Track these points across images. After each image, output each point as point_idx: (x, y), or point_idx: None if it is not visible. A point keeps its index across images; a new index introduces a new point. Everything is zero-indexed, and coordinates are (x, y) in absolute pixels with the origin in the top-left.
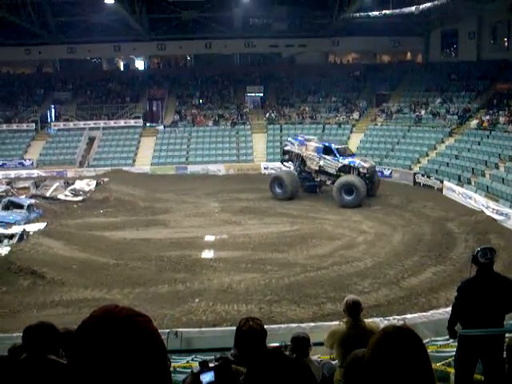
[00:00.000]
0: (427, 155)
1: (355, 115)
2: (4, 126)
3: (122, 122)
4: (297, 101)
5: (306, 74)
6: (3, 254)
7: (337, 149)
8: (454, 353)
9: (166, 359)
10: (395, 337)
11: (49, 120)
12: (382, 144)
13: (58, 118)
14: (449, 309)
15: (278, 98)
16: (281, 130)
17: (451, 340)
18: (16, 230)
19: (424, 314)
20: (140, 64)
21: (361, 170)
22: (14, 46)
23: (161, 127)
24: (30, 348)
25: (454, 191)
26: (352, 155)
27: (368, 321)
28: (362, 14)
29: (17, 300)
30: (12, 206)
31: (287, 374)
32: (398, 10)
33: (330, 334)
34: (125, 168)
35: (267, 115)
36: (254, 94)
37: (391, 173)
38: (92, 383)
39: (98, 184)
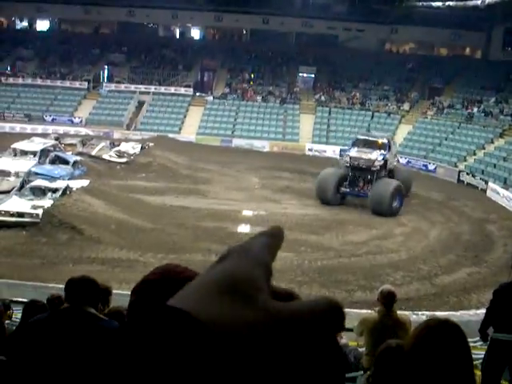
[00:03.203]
0: (475, 154)
1: (406, 106)
2: (58, 83)
3: (172, 89)
4: (348, 85)
5: (360, 60)
6: (46, 207)
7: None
8: (482, 356)
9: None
10: (440, 330)
11: (101, 80)
12: (430, 138)
13: (110, 80)
14: (480, 311)
15: (329, 80)
16: (329, 113)
17: (479, 342)
18: (60, 184)
19: (454, 313)
20: (196, 33)
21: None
22: (74, 5)
23: (210, 98)
24: (71, 299)
25: (498, 193)
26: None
27: (399, 313)
28: (423, 3)
29: (55, 252)
30: (58, 160)
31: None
32: (461, 3)
33: (361, 321)
34: (171, 135)
35: (317, 97)
36: (305, 75)
37: (436, 168)
38: (145, 341)
39: (142, 148)
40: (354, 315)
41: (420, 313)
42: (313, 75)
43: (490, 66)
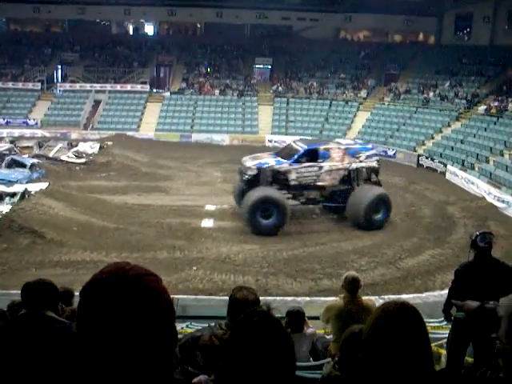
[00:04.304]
0: (432, 138)
1: (363, 93)
2: (10, 84)
3: (128, 87)
4: (305, 75)
5: (315, 49)
6: (4, 212)
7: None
8: (447, 335)
9: (174, 319)
10: (396, 313)
11: (55, 80)
12: (388, 124)
13: (64, 79)
14: (444, 292)
15: (286, 71)
16: (287, 104)
17: (444, 322)
18: (18, 188)
19: (419, 295)
20: (149, 29)
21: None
22: (22, 3)
23: (167, 94)
24: (29, 304)
25: (457, 176)
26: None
27: (364, 298)
28: None
29: (16, 258)
30: (15, 164)
31: (263, 331)
32: None
33: (327, 308)
34: (129, 133)
35: (274, 88)
36: (262, 66)
37: (395, 153)
38: (99, 338)
39: (101, 147)
40: (321, 303)
41: (386, 297)
42: (269, 66)
43: (443, 51)
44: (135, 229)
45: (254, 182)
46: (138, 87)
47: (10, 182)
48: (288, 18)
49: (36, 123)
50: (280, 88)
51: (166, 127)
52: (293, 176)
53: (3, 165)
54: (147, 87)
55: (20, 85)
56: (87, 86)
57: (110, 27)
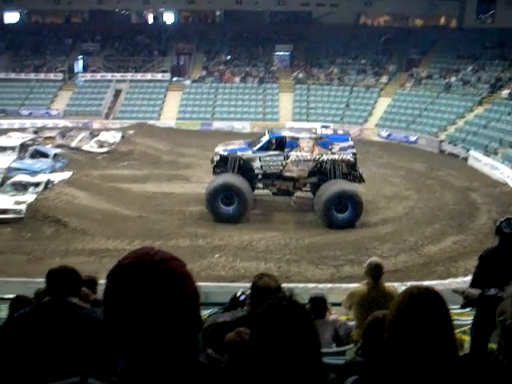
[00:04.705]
0: (455, 123)
1: (384, 79)
2: (32, 75)
3: (148, 76)
4: (325, 62)
5: (336, 35)
6: (29, 202)
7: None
8: (471, 321)
9: (198, 304)
10: (420, 297)
11: (76, 71)
12: (410, 110)
13: (85, 69)
14: (467, 278)
15: (306, 58)
16: (308, 91)
17: (468, 309)
18: (41, 178)
19: (442, 281)
20: (169, 18)
21: None
22: None
23: (187, 82)
24: (52, 290)
25: (480, 161)
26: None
27: (387, 284)
28: None
29: (41, 247)
30: (38, 154)
31: (287, 316)
32: None
33: (350, 294)
34: (150, 122)
35: (295, 75)
36: (282, 53)
37: (417, 139)
38: (124, 322)
39: (122, 137)
40: (343, 290)
41: (408, 283)
42: (289, 53)
43: (466, 35)
44: (157, 217)
45: (222, 168)
46: (159, 76)
47: (33, 172)
48: (307, 3)
49: (58, 113)
50: (300, 75)
51: (186, 115)
52: (257, 164)
53: (27, 155)
54: (168, 76)
55: (42, 76)
56: (108, 76)
57: (130, 16)
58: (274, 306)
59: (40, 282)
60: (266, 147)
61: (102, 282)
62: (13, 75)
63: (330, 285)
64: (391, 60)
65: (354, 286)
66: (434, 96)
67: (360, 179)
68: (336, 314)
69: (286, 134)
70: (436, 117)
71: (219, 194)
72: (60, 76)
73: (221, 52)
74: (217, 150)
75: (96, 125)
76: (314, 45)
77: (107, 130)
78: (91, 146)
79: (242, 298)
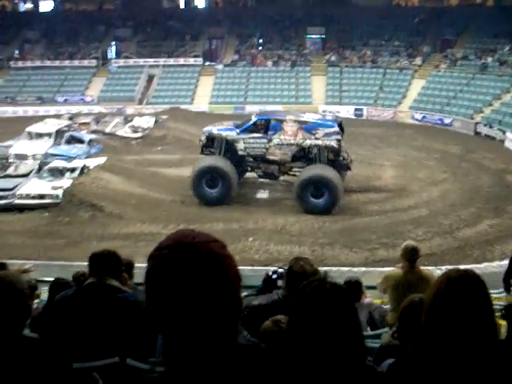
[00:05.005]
0: (491, 105)
1: (418, 60)
2: (66, 62)
3: (181, 61)
4: (358, 44)
5: (368, 17)
6: (66, 187)
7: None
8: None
9: (239, 285)
10: (459, 280)
11: (109, 57)
12: (445, 91)
13: (118, 55)
14: (503, 262)
15: (339, 40)
16: (341, 74)
17: (504, 293)
18: (77, 164)
19: (478, 265)
20: (200, 2)
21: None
22: None
23: (220, 66)
24: (95, 273)
25: None
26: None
27: (422, 268)
28: None
29: (78, 231)
30: (74, 140)
31: (329, 298)
32: None
33: (385, 277)
34: (183, 106)
35: (327, 57)
36: (314, 36)
37: (452, 121)
38: (165, 303)
39: (156, 121)
40: (377, 273)
41: (443, 267)
42: (322, 36)
43: (503, 13)
44: (191, 201)
45: (209, 148)
46: (191, 61)
47: (69, 158)
48: None
49: (92, 100)
50: (333, 57)
51: (219, 100)
52: (240, 146)
53: (63, 141)
54: (200, 60)
55: (76, 63)
56: (141, 62)
57: (162, 1)
58: (318, 288)
59: (77, 265)
60: (251, 129)
61: (138, 265)
62: (48, 63)
63: (364, 268)
64: (425, 41)
65: (388, 269)
66: (469, 77)
67: (346, 167)
68: (371, 298)
69: (271, 117)
70: (471, 98)
71: (204, 176)
72: (94, 62)
73: (253, 36)
74: (204, 130)
75: (130, 110)
76: (346, 27)
77: (140, 115)
78: (125, 132)
79: (274, 276)
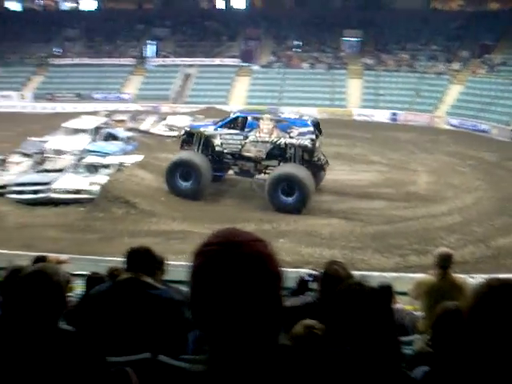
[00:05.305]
0: None
1: (455, 65)
2: (105, 60)
3: (217, 61)
4: (395, 47)
5: (406, 20)
6: (101, 183)
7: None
8: None
9: (281, 285)
10: (502, 290)
11: (147, 55)
12: (482, 98)
13: (156, 54)
14: None
15: (376, 43)
16: (377, 77)
17: None
18: (113, 160)
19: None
20: (238, 3)
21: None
22: None
23: (256, 67)
24: (131, 268)
25: None
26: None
27: (456, 276)
28: None
29: (111, 226)
30: (111, 137)
31: (366, 300)
32: None
33: (417, 284)
34: (218, 106)
35: (364, 61)
36: (351, 39)
37: (489, 128)
38: (209, 300)
39: (193, 121)
40: (408, 279)
41: (477, 276)
42: (358, 39)
43: None
44: (224, 201)
45: (188, 143)
46: (227, 61)
47: (106, 154)
48: None
49: (129, 97)
50: (369, 61)
51: (254, 100)
52: (217, 141)
53: (100, 138)
54: (236, 61)
55: (115, 61)
56: (178, 61)
57: (200, 2)
58: (356, 291)
59: (110, 260)
60: (229, 126)
61: (170, 262)
62: (87, 60)
63: (394, 274)
64: (463, 46)
65: (420, 275)
66: (507, 83)
67: (320, 167)
68: (402, 304)
69: (249, 114)
70: (509, 105)
71: (177, 169)
72: (132, 61)
73: (289, 37)
74: (185, 125)
75: (165, 109)
76: (383, 30)
77: (176, 114)
78: (160, 130)
79: (307, 279)
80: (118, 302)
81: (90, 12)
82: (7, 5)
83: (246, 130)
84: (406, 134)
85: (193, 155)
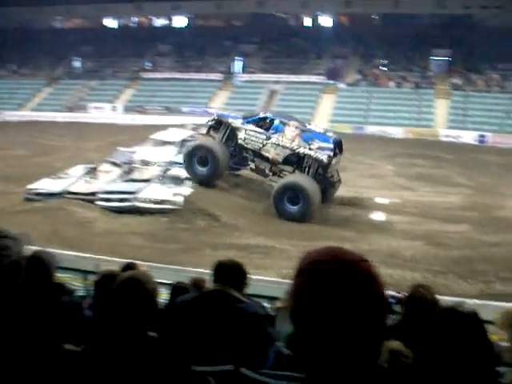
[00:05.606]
0: None
1: None
2: (194, 75)
3: (303, 78)
4: (485, 67)
5: (498, 39)
6: (185, 194)
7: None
8: None
9: (386, 307)
10: None
11: (234, 71)
12: None
13: (243, 70)
14: None
15: (465, 63)
16: (466, 97)
17: None
18: None
19: None
20: (325, 21)
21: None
22: (207, 0)
23: (342, 85)
24: (219, 281)
25: None
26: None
27: None
28: None
29: (194, 238)
30: None
31: (462, 328)
32: None
33: (506, 312)
34: None
35: (452, 80)
36: (439, 58)
37: None
38: (313, 318)
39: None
40: (493, 307)
41: None
42: (447, 58)
43: None
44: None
45: (215, 131)
46: (314, 78)
47: None
48: (469, 6)
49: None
50: (458, 81)
51: (339, 118)
52: (241, 135)
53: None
54: (322, 78)
55: (203, 76)
56: (264, 77)
57: (287, 19)
58: (457, 316)
59: (191, 271)
60: (256, 123)
61: (252, 277)
62: (176, 75)
63: (478, 301)
64: None
65: (508, 304)
66: None
67: (330, 184)
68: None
69: (277, 118)
70: None
71: (195, 154)
72: (219, 76)
73: (376, 56)
74: (217, 112)
75: None
76: (473, 49)
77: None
78: None
79: (390, 300)
80: (204, 313)
81: (180, 29)
82: (105, 22)
83: (271, 131)
84: (494, 156)
85: (213, 143)
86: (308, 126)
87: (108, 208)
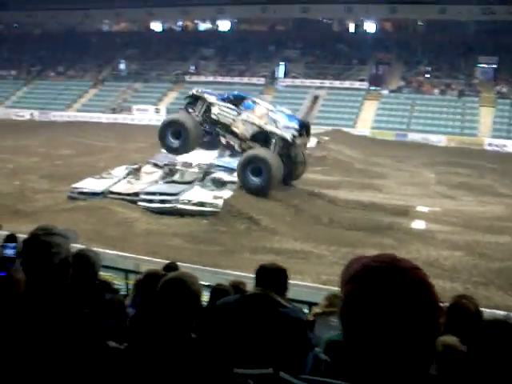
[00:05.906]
0: None
1: None
2: (236, 79)
3: (346, 84)
4: None
5: None
6: (225, 197)
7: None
8: None
9: (440, 316)
10: None
11: (277, 76)
12: None
13: (286, 75)
14: None
15: (511, 70)
16: (511, 106)
17: None
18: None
19: None
20: (369, 27)
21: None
22: (252, 5)
23: (385, 92)
24: (261, 285)
25: None
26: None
27: None
28: None
29: (233, 241)
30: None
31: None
32: None
33: None
34: (345, 129)
35: (498, 88)
36: (485, 65)
37: None
38: (364, 325)
39: (318, 142)
40: None
41: None
42: (493, 66)
43: None
44: (346, 224)
45: (192, 106)
46: (357, 84)
47: (232, 170)
48: None
49: None
50: (504, 89)
51: (382, 125)
52: (215, 110)
53: (227, 153)
54: (365, 84)
55: (246, 80)
56: (307, 82)
57: (331, 25)
58: (507, 328)
59: (229, 273)
60: (229, 101)
61: (291, 282)
62: (219, 78)
63: None
64: None
65: None
66: None
67: (293, 163)
68: None
69: (249, 96)
70: None
71: (169, 128)
72: (262, 80)
73: (420, 62)
74: (193, 90)
75: None
76: None
77: None
78: None
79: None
80: (246, 316)
81: (224, 33)
82: (152, 26)
83: (242, 108)
84: None
85: (186, 117)
86: (278, 108)
87: (149, 209)
